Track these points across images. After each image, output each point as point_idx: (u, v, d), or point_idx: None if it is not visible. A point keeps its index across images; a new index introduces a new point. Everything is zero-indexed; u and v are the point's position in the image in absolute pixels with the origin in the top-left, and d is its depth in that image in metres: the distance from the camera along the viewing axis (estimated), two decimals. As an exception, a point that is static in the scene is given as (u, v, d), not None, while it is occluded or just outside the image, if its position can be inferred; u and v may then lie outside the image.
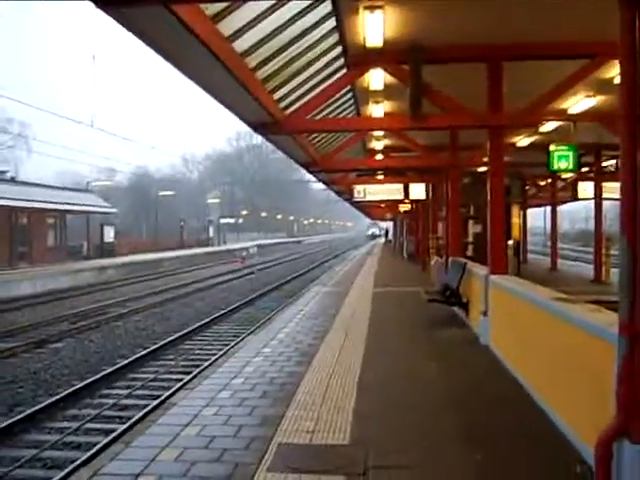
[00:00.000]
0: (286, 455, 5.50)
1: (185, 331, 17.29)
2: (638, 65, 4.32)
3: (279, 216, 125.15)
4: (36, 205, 38.81)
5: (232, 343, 14.56)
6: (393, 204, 34.18)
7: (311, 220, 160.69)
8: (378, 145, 20.99)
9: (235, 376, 8.40)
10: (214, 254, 60.23)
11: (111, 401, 10.87)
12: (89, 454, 7.85)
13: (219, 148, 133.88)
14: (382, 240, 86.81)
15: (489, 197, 10.85)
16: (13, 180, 44.79)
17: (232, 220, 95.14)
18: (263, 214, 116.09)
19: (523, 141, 19.69)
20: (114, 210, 55.54)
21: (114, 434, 8.60)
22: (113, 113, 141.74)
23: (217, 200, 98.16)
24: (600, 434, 4.44)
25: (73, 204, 44.88)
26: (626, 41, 4.37)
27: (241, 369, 8.80)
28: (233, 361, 9.39)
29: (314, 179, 31.67)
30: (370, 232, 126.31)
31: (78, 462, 7.63)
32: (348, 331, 11.72)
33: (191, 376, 11.35)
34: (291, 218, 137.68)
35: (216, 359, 11.46)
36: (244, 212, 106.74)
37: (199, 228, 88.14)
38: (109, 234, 50.74)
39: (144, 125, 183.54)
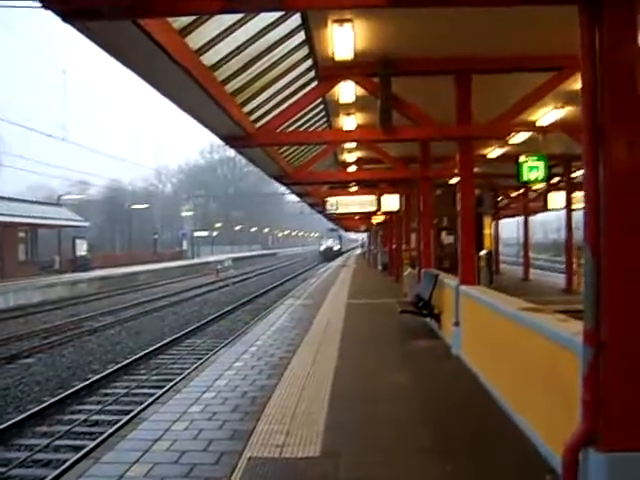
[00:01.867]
0: (256, 469, 5.47)
1: (158, 345, 17.17)
2: (598, 78, 4.39)
3: (253, 229, 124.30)
4: (6, 219, 38.37)
5: (205, 357, 14.48)
6: (367, 216, 34.25)
7: (286, 232, 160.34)
8: (350, 157, 21.05)
9: (206, 390, 8.35)
10: (188, 267, 59.91)
11: (82, 417, 10.75)
12: (57, 472, 7.75)
13: (192, 160, 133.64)
14: (355, 253, 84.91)
15: (459, 208, 10.93)
16: (-18, 194, 44.33)
17: (206, 233, 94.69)
18: (237, 227, 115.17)
19: (494, 152, 19.84)
20: (86, 224, 55.06)
21: (84, 451, 8.49)
22: (85, 126, 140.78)
23: (190, 213, 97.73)
24: (566, 442, 4.48)
25: (44, 218, 44.45)
26: (586, 54, 4.45)
27: (212, 383, 8.75)
28: (205, 375, 9.34)
29: (288, 191, 31.68)
30: (325, 246, 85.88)
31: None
32: (321, 343, 11.71)
33: (163, 391, 11.27)
34: (266, 230, 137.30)
35: (188, 373, 11.38)
36: (218, 225, 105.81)
37: (173, 241, 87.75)
38: (82, 248, 50.32)
39: (117, 138, 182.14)
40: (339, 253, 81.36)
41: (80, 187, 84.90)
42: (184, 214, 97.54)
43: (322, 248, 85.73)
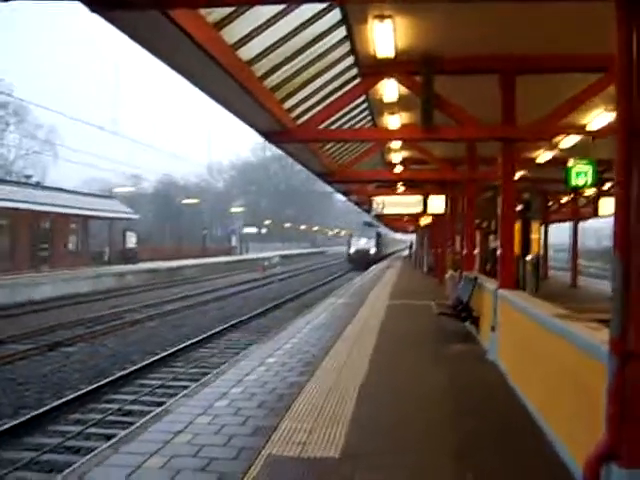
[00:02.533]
0: (273, 467, 5.43)
1: (198, 339, 17.27)
2: (634, 77, 4.21)
3: (303, 226, 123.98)
4: (58, 210, 39.16)
5: (242, 352, 14.51)
6: (414, 217, 33.98)
7: (335, 231, 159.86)
8: (396, 157, 20.86)
9: (235, 385, 8.35)
10: (235, 263, 60.30)
11: (116, 406, 10.86)
12: (86, 459, 7.81)
13: (244, 157, 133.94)
14: (403, 255, 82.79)
15: (500, 211, 10.72)
16: (37, 185, 45.33)
17: (255, 230, 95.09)
18: (287, 224, 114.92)
19: (543, 156, 19.46)
20: (136, 216, 55.73)
21: (112, 440, 8.55)
22: (140, 121, 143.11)
23: (241, 209, 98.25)
24: (588, 455, 4.30)
25: (95, 209, 45.25)
26: (622, 52, 4.28)
27: (242, 378, 8.75)
28: (236, 370, 9.34)
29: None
30: (355, 248, 60.18)
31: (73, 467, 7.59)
32: (355, 343, 11.61)
33: (196, 384, 11.32)
34: (315, 229, 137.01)
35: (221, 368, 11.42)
36: (267, 222, 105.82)
37: (222, 237, 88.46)
38: (131, 240, 50.97)
39: (170, 133, 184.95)
40: (377, 258, 58.39)
41: (133, 181, 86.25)
42: (234, 210, 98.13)
43: (352, 251, 60.63)
